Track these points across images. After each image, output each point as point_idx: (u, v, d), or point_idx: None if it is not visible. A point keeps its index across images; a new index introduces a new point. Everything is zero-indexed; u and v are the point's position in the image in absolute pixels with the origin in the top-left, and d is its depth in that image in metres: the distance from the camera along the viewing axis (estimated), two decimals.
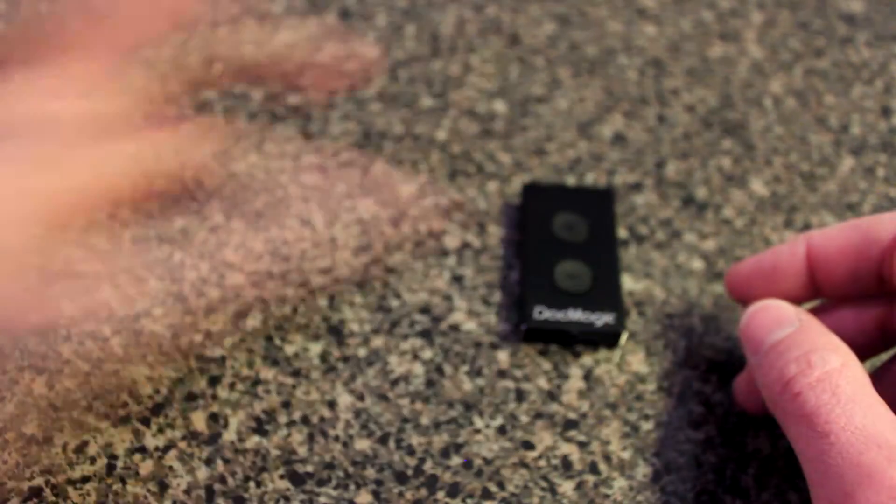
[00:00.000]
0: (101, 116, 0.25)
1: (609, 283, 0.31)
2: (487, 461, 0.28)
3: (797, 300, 0.27)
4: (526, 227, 0.32)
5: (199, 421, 0.28)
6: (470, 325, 0.31)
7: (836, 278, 0.26)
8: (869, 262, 0.26)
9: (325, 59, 0.28)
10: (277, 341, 0.30)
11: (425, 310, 0.31)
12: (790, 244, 0.27)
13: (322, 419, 0.28)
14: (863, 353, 0.27)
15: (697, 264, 0.33)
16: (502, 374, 0.30)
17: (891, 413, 0.22)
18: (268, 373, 0.29)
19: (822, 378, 0.23)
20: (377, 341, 0.30)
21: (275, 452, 0.27)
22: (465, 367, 0.30)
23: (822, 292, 0.27)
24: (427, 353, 0.30)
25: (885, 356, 0.31)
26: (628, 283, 0.32)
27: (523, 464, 0.28)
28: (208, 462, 0.27)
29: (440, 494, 0.27)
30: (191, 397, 0.29)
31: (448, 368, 0.30)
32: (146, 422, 0.28)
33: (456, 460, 0.28)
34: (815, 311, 0.28)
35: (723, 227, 0.34)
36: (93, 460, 0.27)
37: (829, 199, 0.35)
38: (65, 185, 0.23)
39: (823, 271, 0.27)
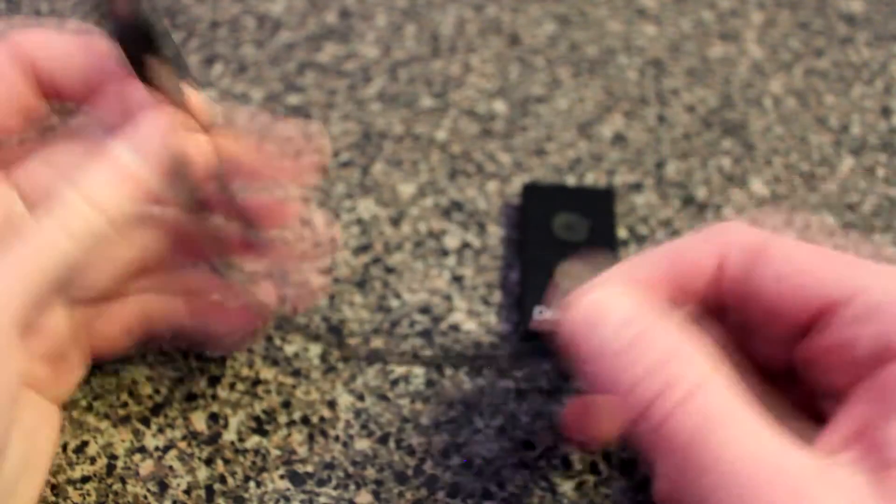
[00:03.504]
0: None
1: None
2: (487, 461, 0.28)
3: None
4: (526, 227, 0.32)
5: (199, 421, 0.28)
6: (470, 325, 0.31)
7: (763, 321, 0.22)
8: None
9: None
10: (277, 341, 0.30)
11: (425, 310, 0.31)
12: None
13: (322, 419, 0.28)
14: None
15: None
16: (502, 374, 0.30)
17: (771, 419, 0.18)
18: (268, 373, 0.29)
19: (686, 398, 0.18)
20: (377, 341, 0.30)
21: (275, 452, 0.27)
22: (465, 367, 0.30)
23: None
24: (427, 354, 0.30)
25: None
26: None
27: (523, 464, 0.28)
28: (208, 462, 0.27)
29: (440, 494, 0.27)
30: (191, 397, 0.29)
31: (448, 368, 0.30)
32: (146, 422, 0.28)
33: (456, 460, 0.28)
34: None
35: None
36: (93, 460, 0.27)
37: (829, 199, 0.35)
38: None
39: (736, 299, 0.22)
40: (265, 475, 0.27)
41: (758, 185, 0.35)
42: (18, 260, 0.21)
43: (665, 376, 0.19)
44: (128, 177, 0.22)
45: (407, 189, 0.34)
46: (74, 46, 0.24)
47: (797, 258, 0.21)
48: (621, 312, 0.20)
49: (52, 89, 0.24)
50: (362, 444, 0.28)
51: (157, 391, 0.29)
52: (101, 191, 0.22)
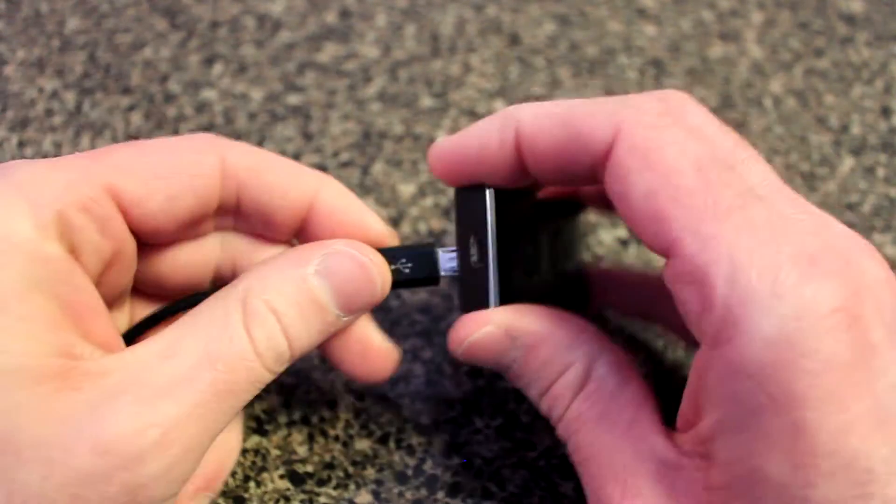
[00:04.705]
0: None
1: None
2: (487, 461, 0.28)
3: (508, 184, 0.24)
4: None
5: None
6: None
7: (549, 173, 0.23)
8: (581, 166, 0.23)
9: None
10: None
11: (425, 310, 0.31)
12: (499, 128, 0.23)
13: (322, 419, 0.28)
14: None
15: None
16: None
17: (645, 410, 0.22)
18: None
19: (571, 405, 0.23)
20: None
21: (275, 452, 0.27)
22: (465, 367, 0.30)
23: (538, 180, 0.24)
24: (427, 353, 0.30)
25: None
26: None
27: (523, 464, 0.28)
28: None
29: (440, 494, 0.27)
30: None
31: (448, 368, 0.30)
32: None
33: (456, 460, 0.28)
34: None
35: None
36: None
37: (829, 198, 0.35)
38: None
39: (535, 164, 0.23)
40: (265, 475, 0.27)
41: None
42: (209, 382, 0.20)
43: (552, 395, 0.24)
44: (319, 309, 0.22)
45: (407, 189, 0.34)
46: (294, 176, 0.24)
47: (673, 179, 0.20)
48: (500, 342, 0.24)
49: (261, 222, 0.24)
50: (362, 444, 0.28)
51: None
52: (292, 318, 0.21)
